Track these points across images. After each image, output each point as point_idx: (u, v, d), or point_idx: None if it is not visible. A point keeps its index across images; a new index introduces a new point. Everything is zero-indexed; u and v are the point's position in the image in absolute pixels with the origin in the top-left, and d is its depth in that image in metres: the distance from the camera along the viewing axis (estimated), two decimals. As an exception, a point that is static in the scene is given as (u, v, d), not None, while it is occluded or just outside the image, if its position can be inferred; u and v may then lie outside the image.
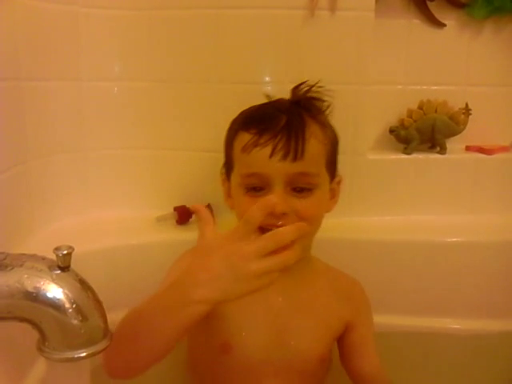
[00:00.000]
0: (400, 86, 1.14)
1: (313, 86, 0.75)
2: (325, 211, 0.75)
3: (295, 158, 0.68)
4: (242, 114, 0.77)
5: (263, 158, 0.68)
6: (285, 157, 0.68)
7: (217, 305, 0.55)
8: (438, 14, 1.12)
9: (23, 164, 0.87)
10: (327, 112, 0.76)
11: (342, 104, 1.02)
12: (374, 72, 1.03)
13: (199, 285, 0.54)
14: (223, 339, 0.74)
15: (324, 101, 0.76)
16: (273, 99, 0.79)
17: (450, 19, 1.13)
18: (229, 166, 0.76)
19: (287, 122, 0.69)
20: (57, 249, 0.49)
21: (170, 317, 0.56)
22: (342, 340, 0.81)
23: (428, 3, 1.11)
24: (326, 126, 0.75)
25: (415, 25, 1.12)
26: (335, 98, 1.00)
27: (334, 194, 0.78)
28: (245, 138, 0.70)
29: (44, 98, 0.93)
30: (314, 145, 0.70)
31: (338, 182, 0.79)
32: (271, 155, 0.67)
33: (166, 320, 0.56)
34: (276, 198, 0.63)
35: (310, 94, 0.75)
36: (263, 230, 0.66)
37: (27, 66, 0.87)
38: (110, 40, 1.00)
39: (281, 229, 0.54)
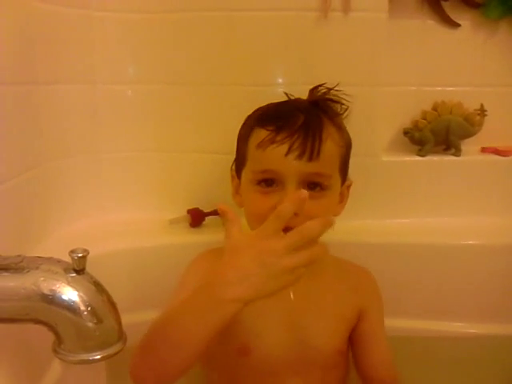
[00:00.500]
0: (414, 87, 1.14)
1: (331, 89, 0.76)
2: (333, 214, 0.75)
3: (311, 158, 0.68)
4: (258, 110, 0.77)
5: (279, 156, 0.68)
6: (301, 156, 0.67)
7: (249, 303, 0.55)
8: (453, 14, 1.11)
9: (38, 167, 0.88)
10: (344, 115, 0.76)
11: (355, 105, 1.01)
12: (387, 73, 1.03)
13: (231, 284, 0.54)
14: (241, 342, 0.73)
15: (342, 104, 0.76)
16: (291, 98, 0.79)
17: (465, 19, 1.12)
18: (240, 162, 0.76)
19: (305, 122, 0.69)
20: (72, 251, 0.49)
21: (203, 320, 0.56)
22: (354, 331, 0.80)
23: (442, 3, 1.10)
24: (343, 129, 0.75)
25: (429, 25, 1.11)
26: (349, 99, 1.01)
27: (342, 198, 0.78)
28: (261, 134, 0.70)
29: (58, 101, 0.93)
30: (331, 146, 0.70)
31: (348, 187, 0.79)
32: (287, 153, 0.67)
33: (199, 323, 0.56)
34: (306, 192, 0.62)
35: (328, 96, 0.75)
36: None
37: (41, 70, 0.88)
38: (123, 43, 1.00)
39: (309, 223, 0.54)
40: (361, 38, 0.99)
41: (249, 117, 0.77)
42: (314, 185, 0.70)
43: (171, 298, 0.72)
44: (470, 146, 1.13)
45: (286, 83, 1.01)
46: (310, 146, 0.67)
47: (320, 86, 0.77)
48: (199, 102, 1.02)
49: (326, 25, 0.97)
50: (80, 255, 0.49)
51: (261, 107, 0.77)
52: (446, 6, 1.10)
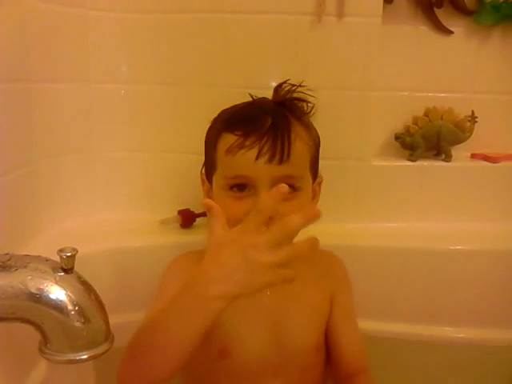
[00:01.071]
0: (406, 93, 1.14)
1: (296, 87, 0.75)
2: None
3: (281, 161, 0.67)
4: (224, 113, 0.76)
5: (249, 161, 0.67)
6: (271, 159, 0.67)
7: (235, 299, 0.54)
8: (446, 21, 1.12)
9: (30, 165, 0.88)
10: (311, 113, 0.76)
11: (347, 110, 1.03)
12: (380, 78, 1.03)
13: (215, 281, 0.53)
14: (220, 345, 0.73)
15: (308, 102, 0.75)
16: (255, 98, 0.78)
17: (458, 26, 1.13)
18: (210, 167, 0.75)
19: (272, 124, 0.68)
20: (61, 250, 0.49)
21: (189, 320, 0.55)
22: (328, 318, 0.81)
23: (435, 10, 1.11)
24: (310, 128, 0.75)
25: (422, 31, 1.12)
26: (342, 103, 1.01)
27: (315, 195, 0.78)
28: (229, 139, 0.69)
29: (52, 99, 0.93)
30: (300, 147, 0.70)
31: (320, 183, 0.79)
32: (257, 158, 0.67)
33: (186, 324, 0.55)
34: (286, 187, 0.62)
35: (293, 95, 0.75)
36: None
37: (36, 68, 0.88)
38: (118, 43, 1.00)
39: (291, 216, 0.53)
40: (354, 43, 1.00)
41: (215, 120, 0.77)
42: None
43: (153, 304, 0.71)
44: (460, 152, 1.14)
45: (289, 82, 1.01)
46: (279, 148, 0.67)
47: (284, 83, 0.76)
48: (192, 103, 1.02)
49: (320, 29, 0.98)
50: (68, 254, 0.49)
51: (226, 109, 0.76)
52: (439, 13, 1.11)
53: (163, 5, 0.99)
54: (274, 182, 0.67)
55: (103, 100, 1.01)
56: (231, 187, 0.70)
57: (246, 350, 0.73)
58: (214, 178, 0.74)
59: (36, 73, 0.88)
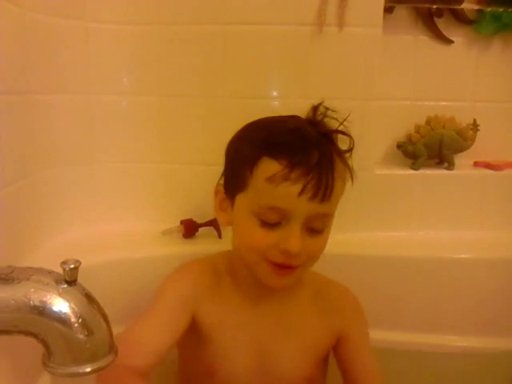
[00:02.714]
0: (408, 102, 1.15)
1: (328, 109, 0.71)
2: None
3: (323, 200, 0.64)
4: (260, 129, 0.70)
5: (291, 195, 0.63)
6: (313, 197, 0.63)
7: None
8: (446, 31, 1.12)
9: (31, 176, 0.88)
10: (349, 153, 0.72)
11: (349, 119, 1.03)
12: (381, 87, 1.03)
13: None
14: (209, 362, 0.73)
15: (350, 137, 0.71)
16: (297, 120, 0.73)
17: (458, 35, 1.13)
18: (238, 185, 0.69)
19: (319, 159, 0.64)
20: (64, 263, 0.49)
21: None
22: (337, 352, 0.79)
23: (435, 19, 1.12)
24: (348, 166, 0.71)
25: (423, 41, 1.13)
26: (343, 113, 1.01)
27: None
28: (273, 167, 0.64)
29: (53, 110, 0.93)
30: (340, 186, 0.68)
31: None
32: (300, 193, 0.63)
33: None
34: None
35: (337, 129, 0.71)
36: (278, 265, 0.66)
37: (36, 80, 0.88)
38: (118, 54, 1.01)
39: None
40: (355, 53, 1.00)
41: (248, 135, 0.71)
42: (316, 226, 0.67)
43: (142, 316, 0.72)
44: (462, 160, 1.14)
45: (281, 96, 1.02)
46: (323, 187, 0.64)
47: (320, 104, 0.72)
48: (193, 114, 1.02)
49: (321, 39, 0.98)
50: (72, 266, 0.48)
51: (259, 124, 0.72)
52: (440, 23, 1.12)
53: (163, 16, 0.99)
54: (309, 219, 0.65)
55: (104, 111, 1.02)
56: (263, 223, 0.66)
57: (232, 371, 0.73)
58: (240, 198, 0.69)
59: (36, 85, 0.88)
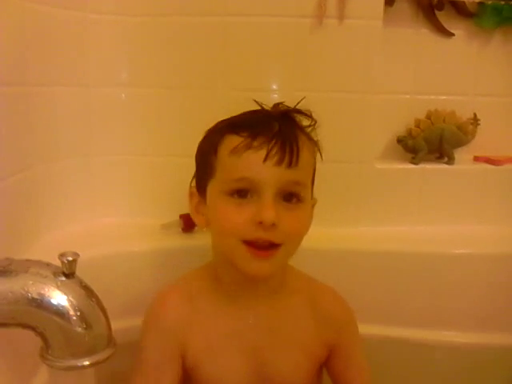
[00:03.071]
0: (408, 96, 1.14)
1: (294, 107, 0.71)
2: (305, 231, 0.69)
3: (290, 164, 0.63)
4: (224, 121, 0.72)
5: (256, 162, 0.63)
6: (280, 162, 0.63)
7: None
8: (447, 24, 1.12)
9: (29, 169, 0.87)
10: (311, 128, 0.71)
11: (349, 112, 1.03)
12: (381, 81, 1.03)
13: None
14: (204, 380, 0.71)
15: (311, 116, 0.70)
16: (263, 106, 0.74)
17: (459, 29, 1.13)
18: (206, 174, 0.69)
19: (280, 129, 0.65)
20: (62, 255, 0.48)
21: None
22: (328, 364, 0.77)
23: (436, 12, 1.11)
24: (313, 141, 0.71)
25: (423, 34, 1.12)
26: (344, 106, 1.01)
27: (310, 216, 0.73)
28: (234, 140, 0.65)
29: (51, 103, 0.93)
30: (307, 155, 0.67)
31: (313, 205, 0.73)
32: (265, 159, 0.62)
33: None
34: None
35: (299, 108, 0.70)
36: (253, 243, 0.64)
37: (35, 71, 0.87)
38: (117, 46, 1.00)
39: None
40: (355, 46, 1.00)
41: (212, 129, 0.73)
42: (290, 195, 0.65)
43: (136, 368, 0.70)
44: (462, 155, 1.14)
45: (281, 88, 1.01)
46: (288, 151, 0.63)
47: (280, 103, 0.72)
48: (193, 106, 1.02)
49: (321, 31, 0.98)
50: (70, 259, 0.48)
51: (223, 119, 0.72)
52: (441, 16, 1.11)
53: (163, 8, 0.99)
54: (280, 188, 0.64)
55: (103, 104, 1.01)
56: (232, 193, 0.65)
57: (226, 381, 0.71)
58: (210, 186, 0.69)
59: (35, 76, 0.87)
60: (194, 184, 0.74)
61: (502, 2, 1.10)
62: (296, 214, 0.65)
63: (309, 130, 0.70)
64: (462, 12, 1.12)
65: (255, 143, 0.63)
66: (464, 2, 1.10)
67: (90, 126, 1.01)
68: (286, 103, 0.71)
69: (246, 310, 0.72)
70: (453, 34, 1.12)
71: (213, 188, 0.68)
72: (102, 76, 1.00)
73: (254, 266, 0.65)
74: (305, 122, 0.70)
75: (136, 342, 0.71)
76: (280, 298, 0.73)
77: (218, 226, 0.68)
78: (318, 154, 0.72)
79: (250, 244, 0.63)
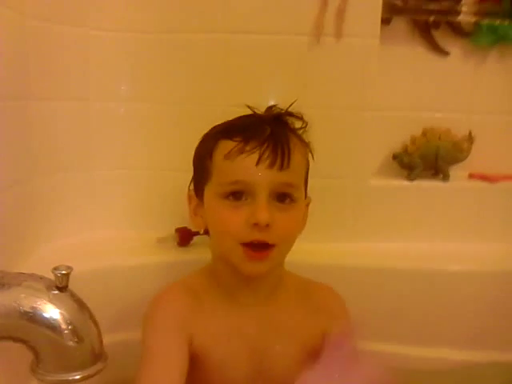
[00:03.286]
0: (404, 113, 1.15)
1: (286, 109, 0.74)
2: (298, 231, 0.73)
3: (282, 167, 0.66)
4: (218, 126, 0.75)
5: (249, 166, 0.66)
6: (272, 165, 0.66)
7: None
8: (443, 43, 1.13)
9: (27, 182, 0.88)
10: (303, 130, 0.74)
11: (345, 129, 1.03)
12: (378, 98, 1.04)
13: None
14: (206, 376, 0.72)
15: (302, 118, 0.74)
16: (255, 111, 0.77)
17: (455, 47, 1.14)
18: (203, 178, 0.72)
19: (272, 132, 0.68)
20: (55, 268, 0.48)
21: None
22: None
23: (432, 31, 1.12)
24: (305, 143, 0.74)
25: (420, 52, 1.13)
26: (340, 123, 1.02)
27: (304, 216, 0.76)
28: (228, 145, 0.68)
29: (51, 116, 0.94)
30: (298, 157, 0.70)
31: (307, 204, 0.77)
32: (258, 162, 0.66)
33: None
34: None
35: (289, 111, 0.74)
36: (249, 245, 0.66)
37: (36, 86, 0.88)
38: (117, 61, 1.01)
39: None
40: (352, 63, 1.01)
41: (208, 134, 0.76)
42: (283, 196, 0.68)
43: (145, 355, 0.68)
44: (458, 172, 1.14)
45: (279, 105, 1.02)
46: (280, 154, 0.66)
47: (273, 106, 0.76)
48: (191, 122, 1.02)
49: (319, 49, 0.99)
50: (63, 272, 0.48)
51: (218, 124, 0.76)
52: (436, 34, 1.12)
53: (163, 25, 1.00)
54: (273, 190, 0.67)
55: (103, 118, 1.02)
56: (227, 195, 0.68)
57: (228, 375, 0.72)
58: (207, 189, 0.72)
59: (36, 90, 0.88)
60: (192, 187, 0.77)
61: (497, 21, 1.11)
62: (289, 214, 0.68)
63: (300, 131, 0.73)
64: (458, 31, 1.13)
65: (248, 147, 0.66)
66: (459, 22, 1.12)
67: (89, 140, 1.01)
68: (279, 106, 0.74)
69: (245, 306, 0.74)
70: (448, 53, 1.14)
71: (209, 191, 0.71)
72: (101, 91, 1.01)
73: (250, 266, 0.68)
74: (297, 125, 0.73)
75: (129, 355, 0.70)
76: (277, 293, 0.76)
77: (215, 228, 0.72)
78: (310, 155, 0.74)
79: (246, 245, 0.66)
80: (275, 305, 0.75)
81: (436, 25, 1.12)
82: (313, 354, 0.75)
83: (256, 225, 0.65)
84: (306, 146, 0.74)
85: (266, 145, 0.66)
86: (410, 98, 1.15)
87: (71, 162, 1.00)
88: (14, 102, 0.82)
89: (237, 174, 0.67)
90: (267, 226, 0.65)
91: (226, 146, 0.68)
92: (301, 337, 0.75)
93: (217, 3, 0.98)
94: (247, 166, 0.66)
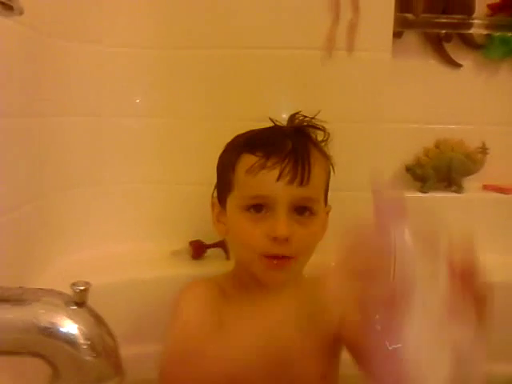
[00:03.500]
0: (416, 125, 1.15)
1: (309, 118, 0.78)
2: (318, 240, 0.75)
3: (301, 183, 0.68)
4: (241, 136, 0.78)
5: (270, 181, 0.68)
6: (292, 181, 0.68)
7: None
8: (455, 55, 1.13)
9: (41, 198, 0.89)
10: (326, 142, 0.78)
11: (358, 142, 1.04)
12: (390, 110, 1.04)
13: None
14: (228, 373, 0.72)
15: (324, 130, 0.77)
16: (277, 123, 0.80)
17: (467, 60, 1.14)
18: (225, 188, 0.75)
19: (293, 147, 0.70)
20: (74, 284, 0.49)
21: None
22: (342, 336, 0.76)
23: (444, 44, 1.13)
24: (326, 155, 0.77)
25: (431, 65, 1.14)
26: (353, 136, 1.02)
27: (323, 224, 0.78)
28: (250, 159, 0.70)
29: (65, 132, 0.95)
30: (318, 171, 0.71)
31: (328, 212, 0.79)
32: (278, 178, 0.68)
33: None
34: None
35: (310, 123, 0.77)
36: (272, 259, 0.68)
37: (50, 102, 0.90)
38: (130, 77, 1.02)
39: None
40: (365, 77, 1.01)
41: (231, 143, 0.78)
42: (303, 210, 0.70)
43: (169, 333, 0.70)
44: (471, 184, 1.14)
45: (302, 112, 1.03)
46: (300, 170, 0.68)
47: (297, 113, 0.79)
48: (204, 136, 1.03)
49: (331, 63, 0.99)
50: (81, 288, 0.49)
51: (241, 134, 0.78)
52: (448, 47, 1.13)
53: (177, 41, 1.01)
54: (292, 204, 0.69)
55: (116, 133, 1.03)
56: (248, 208, 0.70)
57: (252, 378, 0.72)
58: (229, 199, 0.74)
59: (51, 107, 0.90)
60: (215, 194, 0.79)
61: (510, 34, 1.11)
62: (308, 227, 0.70)
63: (322, 144, 0.76)
64: (470, 44, 1.13)
65: (269, 163, 0.69)
66: (472, 34, 1.12)
67: (103, 155, 1.03)
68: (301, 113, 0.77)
69: (264, 302, 0.74)
70: (461, 65, 1.14)
71: (231, 202, 0.74)
72: (116, 106, 1.02)
73: (269, 275, 0.71)
74: (319, 137, 0.76)
75: (145, 368, 0.71)
76: (297, 295, 0.75)
77: (237, 239, 0.75)
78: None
79: (266, 257, 0.68)
80: (293, 299, 0.75)
81: (448, 38, 1.12)
82: (332, 346, 0.76)
83: (275, 239, 0.67)
84: (327, 159, 0.76)
85: (286, 160, 0.68)
86: (423, 110, 1.15)
87: (86, 176, 1.01)
88: (29, 119, 0.83)
89: (258, 188, 0.69)
90: (286, 240, 0.67)
91: (248, 160, 0.70)
92: (320, 327, 0.75)
93: (230, 19, 1.00)
94: (268, 181, 0.68)
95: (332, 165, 0.78)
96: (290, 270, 0.70)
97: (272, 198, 0.68)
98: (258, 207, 0.70)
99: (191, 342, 0.66)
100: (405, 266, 0.45)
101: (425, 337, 0.45)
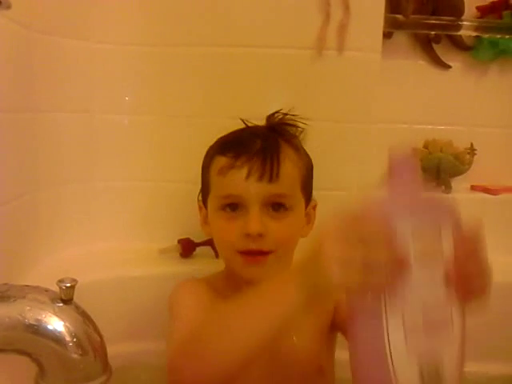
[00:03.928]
0: (405, 125, 1.16)
1: (286, 114, 0.79)
2: (300, 236, 0.76)
3: (271, 179, 0.70)
4: (218, 140, 0.80)
5: (239, 180, 0.70)
6: (260, 178, 0.69)
7: None
8: (444, 56, 1.14)
9: (31, 194, 0.88)
10: (301, 137, 0.79)
11: (347, 142, 1.04)
12: (379, 111, 1.04)
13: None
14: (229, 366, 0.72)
15: (297, 126, 0.79)
16: (249, 125, 0.81)
17: (456, 61, 1.15)
18: (205, 191, 0.78)
19: (262, 146, 0.71)
20: (60, 281, 0.49)
21: None
22: (335, 319, 0.77)
23: (434, 45, 1.13)
24: (300, 150, 0.78)
25: (421, 66, 1.14)
26: (342, 136, 1.03)
27: (309, 219, 0.79)
28: (221, 161, 0.72)
29: (55, 129, 0.94)
30: (289, 167, 0.73)
31: (314, 207, 0.80)
32: (247, 176, 0.69)
33: None
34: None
35: (283, 121, 0.79)
36: (248, 254, 0.70)
37: (40, 98, 0.89)
38: (121, 74, 1.02)
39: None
40: (354, 77, 1.01)
41: (210, 147, 0.80)
42: (277, 206, 0.71)
43: (173, 333, 0.69)
44: (459, 184, 1.14)
45: (281, 111, 1.03)
46: (268, 167, 0.70)
47: (276, 112, 0.80)
48: (194, 134, 1.03)
49: (321, 63, 0.99)
50: (68, 285, 0.49)
51: (221, 136, 0.80)
52: (438, 48, 1.14)
53: (166, 38, 1.01)
54: (265, 201, 0.70)
55: (106, 130, 1.03)
56: (224, 207, 0.72)
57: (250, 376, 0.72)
58: (209, 201, 0.76)
59: (40, 103, 0.89)
60: (200, 198, 0.81)
61: (498, 36, 1.12)
62: (283, 221, 0.71)
63: (300, 136, 0.78)
64: (459, 45, 1.14)
65: (238, 163, 0.70)
66: (461, 36, 1.13)
67: (92, 152, 1.02)
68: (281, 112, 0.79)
69: (259, 304, 0.71)
70: (450, 67, 1.15)
71: (210, 203, 0.76)
72: (106, 103, 1.02)
73: (248, 271, 0.72)
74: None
75: (132, 366, 0.71)
76: (287, 290, 0.74)
77: (216, 238, 0.78)
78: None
79: (243, 253, 0.70)
80: (289, 298, 0.73)
81: (437, 39, 1.13)
82: (326, 340, 0.77)
83: (249, 235, 0.68)
84: (303, 154, 0.77)
85: (255, 159, 0.70)
86: (412, 110, 1.15)
87: (74, 173, 1.01)
88: (18, 115, 0.82)
89: (229, 188, 0.71)
90: (260, 235, 0.69)
91: (219, 162, 0.73)
92: (314, 317, 0.75)
93: (220, 17, 0.99)
94: (238, 180, 0.70)
95: (309, 160, 0.79)
96: (269, 264, 0.71)
97: (243, 197, 0.70)
98: (233, 206, 0.72)
99: (195, 335, 0.66)
100: (404, 242, 0.45)
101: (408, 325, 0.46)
